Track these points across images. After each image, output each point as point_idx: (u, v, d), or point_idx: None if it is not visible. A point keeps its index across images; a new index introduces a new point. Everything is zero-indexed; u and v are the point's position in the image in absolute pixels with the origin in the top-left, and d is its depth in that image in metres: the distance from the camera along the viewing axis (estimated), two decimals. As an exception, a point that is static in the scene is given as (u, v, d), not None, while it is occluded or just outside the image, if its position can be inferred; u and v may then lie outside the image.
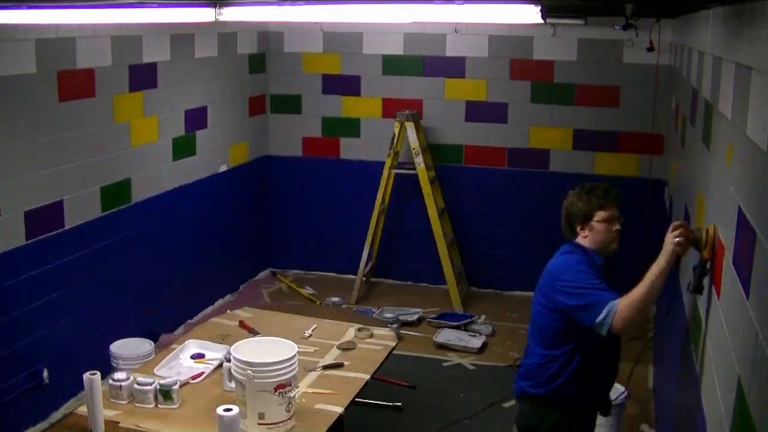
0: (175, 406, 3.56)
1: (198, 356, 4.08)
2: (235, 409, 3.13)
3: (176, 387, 3.58)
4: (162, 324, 5.93)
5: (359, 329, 4.51)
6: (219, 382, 3.80)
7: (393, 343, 4.46)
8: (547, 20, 5.46)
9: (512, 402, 5.11)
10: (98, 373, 3.37)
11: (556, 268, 3.31)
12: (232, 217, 6.95)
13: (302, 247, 7.60)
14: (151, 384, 3.58)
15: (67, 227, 4.92)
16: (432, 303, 6.81)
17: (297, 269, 7.64)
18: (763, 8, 2.11)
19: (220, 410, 3.11)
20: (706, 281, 2.80)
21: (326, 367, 4.02)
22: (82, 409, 3.46)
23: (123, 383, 3.58)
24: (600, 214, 3.28)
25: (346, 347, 4.28)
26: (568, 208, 3.47)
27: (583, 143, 6.80)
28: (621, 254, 6.61)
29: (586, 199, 3.34)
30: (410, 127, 6.66)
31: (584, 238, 3.34)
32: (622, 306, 2.96)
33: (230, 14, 4.03)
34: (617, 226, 3.30)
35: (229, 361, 3.61)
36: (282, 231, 7.61)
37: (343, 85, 7.23)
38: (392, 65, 7.09)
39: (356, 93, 7.21)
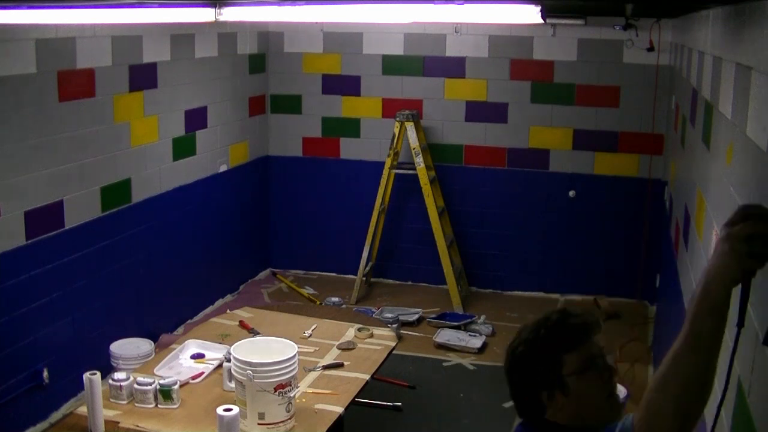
0: (175, 406, 3.56)
1: (198, 356, 4.08)
2: (235, 409, 3.13)
3: (176, 387, 3.58)
4: (162, 324, 5.93)
5: (359, 329, 4.51)
6: (219, 382, 3.80)
7: (393, 343, 4.46)
8: (547, 20, 5.47)
9: (512, 402, 5.12)
10: (98, 373, 3.37)
11: None
12: (232, 217, 6.95)
13: (302, 247, 7.60)
14: (151, 384, 3.58)
15: (67, 227, 4.92)
16: (432, 303, 6.80)
17: (297, 269, 7.63)
18: (763, 8, 2.11)
19: (220, 410, 3.11)
20: None
21: (326, 367, 4.02)
22: (82, 409, 3.46)
23: (123, 383, 3.59)
24: (571, 360, 1.80)
25: (346, 347, 4.28)
26: (522, 368, 1.89)
27: (583, 143, 6.80)
28: (620, 258, 6.60)
29: (543, 343, 1.84)
30: (410, 127, 6.66)
31: (559, 412, 1.82)
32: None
33: (230, 14, 4.03)
34: (608, 365, 1.84)
35: (229, 361, 3.61)
36: (282, 231, 7.61)
37: (343, 85, 7.23)
38: (392, 65, 7.09)
39: (356, 93, 7.21)
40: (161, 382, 3.58)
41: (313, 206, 7.49)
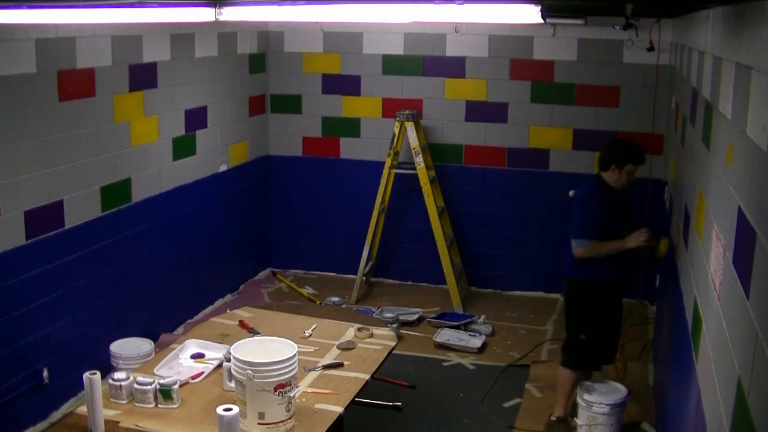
0: (175, 406, 3.56)
1: (198, 356, 4.08)
2: (235, 409, 3.13)
3: (176, 387, 3.58)
4: (162, 324, 5.93)
5: (359, 329, 4.51)
6: (219, 381, 3.80)
7: (393, 343, 4.46)
8: (547, 20, 5.47)
9: (512, 402, 5.13)
10: (98, 373, 3.37)
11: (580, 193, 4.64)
12: (232, 217, 6.95)
13: (302, 247, 7.60)
14: (151, 384, 3.58)
15: (67, 227, 4.92)
16: (432, 303, 6.81)
17: (297, 269, 7.64)
18: (763, 8, 2.11)
19: (220, 410, 3.11)
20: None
21: (326, 367, 4.02)
22: (82, 409, 3.46)
23: (123, 383, 3.59)
24: (629, 167, 4.47)
25: (346, 347, 4.28)
26: (612, 149, 4.50)
27: (583, 143, 6.80)
28: (621, 254, 6.43)
29: (625, 153, 4.44)
30: (410, 126, 6.67)
31: (609, 175, 4.50)
32: (590, 247, 4.43)
33: (230, 14, 4.04)
34: (633, 177, 4.54)
35: (229, 360, 3.61)
36: (282, 231, 7.61)
37: (343, 85, 7.23)
38: (392, 65, 7.09)
39: (356, 93, 7.21)
40: (161, 381, 3.59)
41: (313, 206, 7.49)
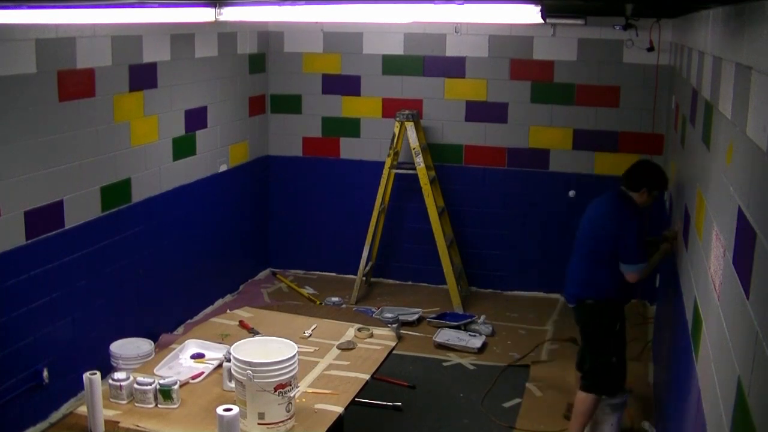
0: (175, 406, 3.56)
1: (198, 356, 4.08)
2: (235, 409, 3.13)
3: (176, 387, 3.58)
4: (162, 324, 5.93)
5: (359, 329, 4.51)
6: (219, 382, 3.80)
7: (393, 343, 4.46)
8: (547, 20, 5.46)
9: (512, 402, 5.13)
10: (98, 373, 3.37)
11: (608, 211, 4.45)
12: (232, 217, 6.95)
13: (302, 247, 7.60)
14: (151, 384, 3.58)
15: (67, 227, 4.92)
16: (432, 303, 6.81)
17: (297, 269, 7.64)
18: (763, 8, 2.11)
19: (220, 410, 3.11)
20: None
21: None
22: (82, 409, 3.46)
23: (123, 383, 3.59)
24: (656, 192, 4.51)
25: (346, 347, 4.28)
26: (647, 174, 4.48)
27: (583, 143, 6.80)
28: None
29: (660, 180, 4.50)
30: (410, 127, 6.67)
31: (638, 196, 4.42)
32: (645, 269, 4.39)
33: (230, 14, 4.04)
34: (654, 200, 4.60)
35: (229, 360, 3.61)
36: (282, 231, 7.61)
37: (343, 85, 7.23)
38: (392, 65, 7.09)
39: (356, 93, 7.21)
40: (161, 382, 3.59)
41: (313, 206, 7.49)
